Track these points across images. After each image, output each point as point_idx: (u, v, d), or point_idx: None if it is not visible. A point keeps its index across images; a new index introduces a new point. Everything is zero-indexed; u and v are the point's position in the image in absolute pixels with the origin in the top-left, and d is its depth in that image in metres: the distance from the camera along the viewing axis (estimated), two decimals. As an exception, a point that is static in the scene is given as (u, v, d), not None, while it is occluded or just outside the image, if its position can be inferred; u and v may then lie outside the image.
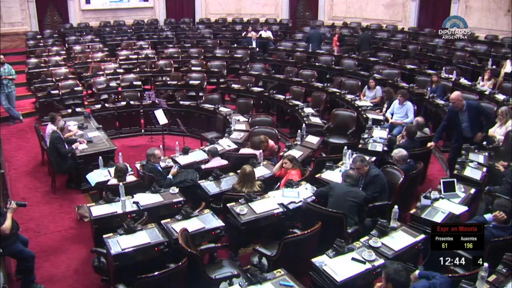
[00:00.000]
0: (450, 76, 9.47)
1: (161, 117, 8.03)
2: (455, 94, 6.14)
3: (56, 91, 9.51)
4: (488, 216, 4.15)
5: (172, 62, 11.85)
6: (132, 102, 9.09)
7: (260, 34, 13.83)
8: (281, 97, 9.18)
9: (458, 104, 5.99)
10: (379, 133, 6.80)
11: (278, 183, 5.55)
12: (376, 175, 5.06)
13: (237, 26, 15.77)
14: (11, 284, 4.50)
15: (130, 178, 5.65)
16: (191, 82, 10.27)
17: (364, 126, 7.34)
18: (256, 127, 7.35)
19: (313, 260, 3.72)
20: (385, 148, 6.29)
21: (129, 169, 5.84)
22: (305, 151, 6.40)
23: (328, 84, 9.76)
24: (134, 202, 4.88)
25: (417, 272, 3.51)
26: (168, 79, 10.62)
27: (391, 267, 3.17)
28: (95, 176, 5.93)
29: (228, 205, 4.68)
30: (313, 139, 6.79)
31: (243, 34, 14.45)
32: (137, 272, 3.52)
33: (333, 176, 5.43)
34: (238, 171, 5.31)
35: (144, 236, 4.14)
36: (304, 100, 9.26)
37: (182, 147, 6.64)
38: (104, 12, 15.93)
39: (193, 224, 4.37)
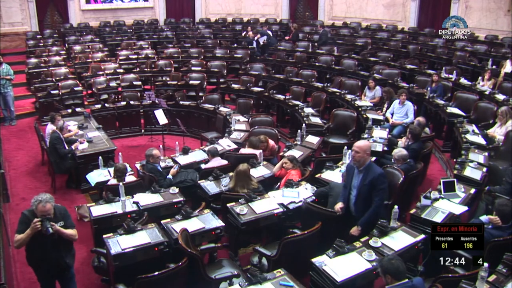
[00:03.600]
0: (450, 76, 9.47)
1: (161, 117, 8.03)
2: (362, 143, 4.33)
3: (56, 91, 9.52)
4: (484, 218, 4.15)
5: (172, 62, 11.86)
6: (132, 102, 9.09)
7: (258, 41, 13.68)
8: (281, 97, 9.18)
9: (359, 158, 4.20)
10: (379, 133, 6.80)
11: (278, 183, 5.55)
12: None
13: (237, 26, 15.78)
14: (11, 282, 4.50)
15: (130, 178, 5.66)
16: (191, 82, 10.28)
17: (364, 126, 7.34)
18: (256, 127, 7.35)
19: (313, 260, 3.72)
20: (385, 148, 6.28)
21: (129, 169, 5.84)
22: (305, 151, 6.40)
23: (328, 84, 9.76)
24: (134, 202, 4.88)
25: None
26: (168, 79, 10.63)
27: (383, 261, 3.23)
28: (95, 176, 5.93)
29: (228, 205, 4.68)
30: (313, 139, 6.79)
31: (243, 34, 14.44)
32: (137, 272, 3.52)
33: (333, 176, 5.43)
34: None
35: (144, 236, 4.13)
36: (304, 100, 9.27)
37: (182, 147, 6.64)
38: (104, 12, 15.95)
39: (193, 224, 4.37)
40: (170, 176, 5.65)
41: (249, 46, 13.20)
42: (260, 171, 5.73)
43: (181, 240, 3.83)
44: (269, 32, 13.62)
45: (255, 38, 13.44)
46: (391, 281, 3.10)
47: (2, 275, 3.85)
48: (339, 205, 4.39)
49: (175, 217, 4.49)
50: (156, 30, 15.28)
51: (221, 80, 11.25)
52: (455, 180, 5.02)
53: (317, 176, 5.51)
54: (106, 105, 8.94)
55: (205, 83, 10.75)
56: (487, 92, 8.42)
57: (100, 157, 6.22)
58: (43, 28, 14.76)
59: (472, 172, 5.45)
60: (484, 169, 5.55)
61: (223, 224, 4.48)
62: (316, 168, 5.96)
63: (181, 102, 9.04)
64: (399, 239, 4.06)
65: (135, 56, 12.42)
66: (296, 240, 4.03)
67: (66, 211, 3.92)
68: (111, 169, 5.82)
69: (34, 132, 7.97)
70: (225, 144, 6.73)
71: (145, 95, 9.37)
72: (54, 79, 10.23)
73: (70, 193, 6.64)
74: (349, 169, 4.47)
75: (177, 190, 5.14)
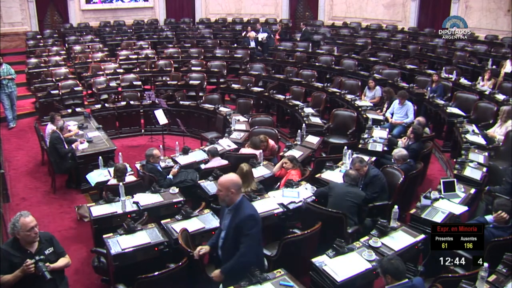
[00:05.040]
0: (450, 76, 9.47)
1: (161, 117, 8.03)
2: (224, 178, 3.58)
3: (56, 91, 9.52)
4: (489, 217, 4.15)
5: (172, 62, 11.86)
6: (132, 102, 9.09)
7: (257, 38, 13.69)
8: (281, 97, 9.18)
9: (223, 196, 3.52)
10: (379, 133, 6.80)
11: (278, 183, 5.55)
12: (375, 175, 5.06)
13: (237, 26, 15.77)
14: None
15: (130, 178, 5.65)
16: (191, 82, 10.28)
17: (364, 126, 7.34)
18: (256, 127, 7.35)
19: (313, 260, 3.72)
20: (385, 148, 6.28)
21: (129, 169, 5.84)
22: (305, 151, 6.40)
23: (328, 84, 9.76)
24: (134, 202, 4.88)
25: None
26: (168, 79, 10.63)
27: (382, 261, 3.25)
28: (95, 176, 5.93)
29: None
30: (313, 139, 6.79)
31: (242, 34, 14.45)
32: (137, 272, 3.52)
33: (333, 176, 5.43)
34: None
35: (144, 236, 4.13)
36: (304, 100, 9.26)
37: (182, 147, 6.64)
38: (104, 12, 15.95)
39: (193, 224, 4.37)
40: (170, 176, 5.65)
41: (249, 46, 13.20)
42: (260, 171, 5.73)
43: (181, 240, 3.83)
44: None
45: (254, 35, 13.46)
46: (391, 281, 3.11)
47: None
48: (197, 251, 3.65)
49: (175, 217, 4.49)
50: (156, 30, 15.28)
51: (221, 80, 11.24)
52: (455, 180, 5.02)
53: (317, 176, 5.51)
54: (106, 105, 8.94)
55: (205, 83, 10.75)
56: (487, 92, 8.42)
57: (100, 157, 6.21)
58: (43, 28, 14.76)
59: (472, 172, 5.44)
60: (484, 169, 5.54)
61: (223, 224, 4.48)
62: (316, 168, 5.96)
63: (181, 102, 9.04)
64: (399, 239, 4.06)
65: (135, 56, 12.42)
66: (296, 240, 4.02)
67: (52, 236, 3.64)
68: (111, 169, 5.81)
69: (34, 132, 7.97)
70: (225, 144, 6.73)
71: (145, 95, 9.37)
72: (54, 79, 10.23)
73: (70, 193, 6.64)
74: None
75: (177, 190, 5.14)
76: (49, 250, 3.48)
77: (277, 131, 7.40)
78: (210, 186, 5.32)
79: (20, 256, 3.33)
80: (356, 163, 5.10)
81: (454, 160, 6.52)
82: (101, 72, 10.85)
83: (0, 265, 3.27)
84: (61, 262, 3.53)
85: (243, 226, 3.40)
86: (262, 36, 13.30)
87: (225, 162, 5.97)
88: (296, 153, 6.19)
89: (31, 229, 3.33)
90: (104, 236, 4.17)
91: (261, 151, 6.18)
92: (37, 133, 7.50)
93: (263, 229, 4.70)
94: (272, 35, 13.75)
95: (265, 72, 11.16)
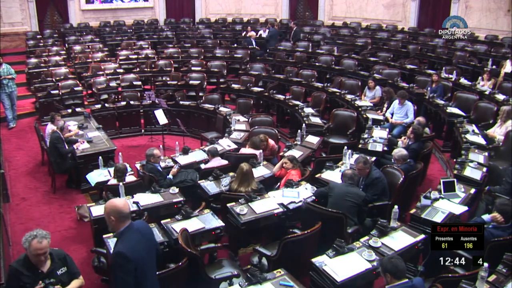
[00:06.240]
0: (450, 76, 9.47)
1: (161, 117, 8.03)
2: (109, 202, 3.03)
3: (56, 91, 9.52)
4: (486, 217, 4.16)
5: (172, 62, 11.86)
6: (132, 102, 9.09)
7: (260, 35, 13.81)
8: (281, 97, 9.18)
9: (107, 221, 3.04)
10: (379, 133, 6.80)
11: (278, 183, 5.55)
12: (377, 177, 5.04)
13: (237, 26, 15.78)
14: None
15: (130, 178, 5.66)
16: (191, 82, 10.28)
17: (364, 126, 7.34)
18: (256, 127, 7.35)
19: (313, 260, 3.72)
20: (385, 148, 6.28)
21: (129, 169, 5.84)
22: (305, 151, 6.40)
23: (328, 84, 9.76)
24: (134, 202, 4.87)
25: None
26: (168, 79, 10.63)
27: (383, 260, 3.28)
28: (95, 176, 5.93)
29: (228, 205, 4.68)
30: (313, 139, 6.79)
31: (243, 34, 14.46)
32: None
33: (333, 176, 5.43)
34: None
35: (144, 236, 4.13)
36: (304, 100, 9.26)
37: (182, 147, 6.64)
38: (104, 12, 15.95)
39: (193, 224, 4.37)
40: (170, 175, 5.65)
41: (249, 46, 13.22)
42: (260, 171, 5.73)
43: (181, 240, 3.83)
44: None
45: (254, 35, 13.50)
46: (391, 280, 3.11)
47: (2, 275, 3.85)
48: None
49: (175, 217, 4.50)
50: (156, 30, 15.28)
51: (221, 80, 11.24)
52: (455, 180, 5.02)
53: (317, 176, 5.51)
54: (106, 105, 8.94)
55: (205, 83, 10.75)
56: (487, 92, 8.41)
57: (100, 157, 6.21)
58: (43, 28, 14.76)
59: (472, 172, 5.44)
60: (484, 169, 5.55)
61: (223, 224, 4.48)
62: (316, 168, 5.96)
63: (181, 102, 9.04)
64: (399, 239, 4.06)
65: (135, 56, 12.42)
66: (296, 240, 4.03)
67: (66, 255, 3.40)
68: (111, 169, 5.82)
69: (34, 132, 7.97)
70: (225, 144, 6.73)
71: (145, 95, 9.37)
72: (54, 79, 10.23)
73: (70, 193, 6.64)
74: None
75: (177, 190, 5.14)
76: (62, 270, 3.28)
77: (277, 131, 7.40)
78: (210, 186, 5.33)
79: (31, 275, 3.14)
80: (360, 162, 5.09)
81: (454, 160, 6.52)
82: (101, 72, 10.85)
83: (8, 282, 3.13)
84: (74, 285, 3.28)
85: (113, 263, 2.99)
86: (265, 34, 13.33)
87: (225, 162, 5.98)
88: (296, 153, 6.20)
89: (38, 255, 3.13)
90: (104, 236, 4.17)
91: (261, 151, 6.18)
92: (37, 133, 7.50)
93: (263, 229, 4.76)
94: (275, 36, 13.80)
95: (265, 72, 11.16)
